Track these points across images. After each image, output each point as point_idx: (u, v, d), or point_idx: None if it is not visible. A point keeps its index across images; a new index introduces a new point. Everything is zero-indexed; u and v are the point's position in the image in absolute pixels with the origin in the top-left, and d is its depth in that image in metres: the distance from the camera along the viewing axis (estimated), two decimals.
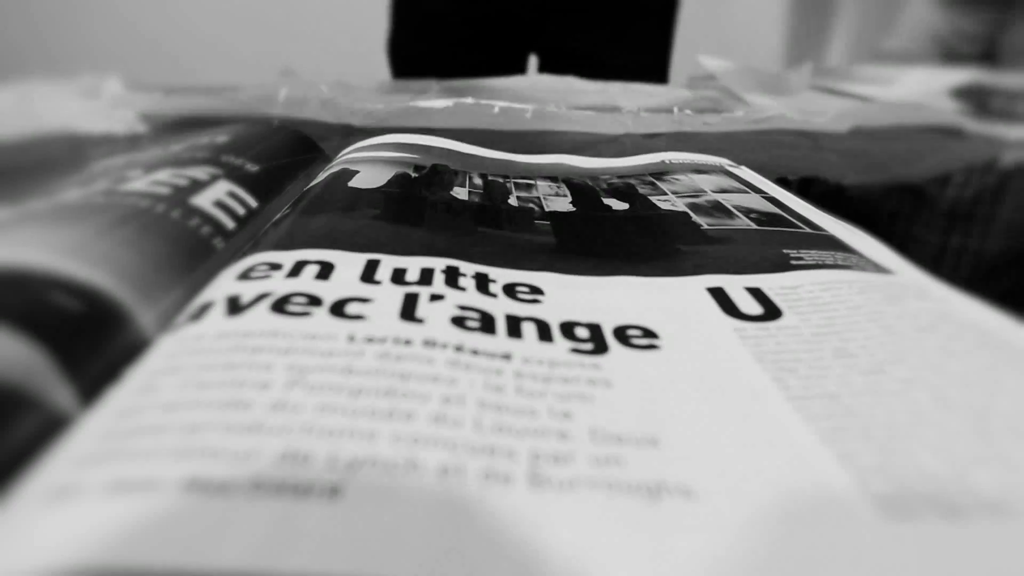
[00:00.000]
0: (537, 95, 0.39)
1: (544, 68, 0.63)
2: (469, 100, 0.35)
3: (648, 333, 0.16)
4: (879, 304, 0.17)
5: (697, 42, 0.69)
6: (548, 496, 0.10)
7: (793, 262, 0.19)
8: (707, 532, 0.10)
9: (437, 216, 0.22)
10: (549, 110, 0.34)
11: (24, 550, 0.09)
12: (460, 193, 0.25)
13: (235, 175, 0.23)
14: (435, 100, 0.36)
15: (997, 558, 0.09)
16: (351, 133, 0.32)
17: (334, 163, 0.28)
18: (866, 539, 0.10)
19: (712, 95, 0.42)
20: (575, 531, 0.10)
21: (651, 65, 0.62)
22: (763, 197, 0.26)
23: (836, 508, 0.10)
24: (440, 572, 0.09)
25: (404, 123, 0.33)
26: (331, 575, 0.09)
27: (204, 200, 0.20)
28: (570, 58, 0.49)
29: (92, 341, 0.13)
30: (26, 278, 0.13)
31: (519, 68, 0.64)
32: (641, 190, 0.27)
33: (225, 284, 0.16)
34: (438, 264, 0.18)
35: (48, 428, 0.11)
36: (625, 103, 0.37)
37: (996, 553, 0.10)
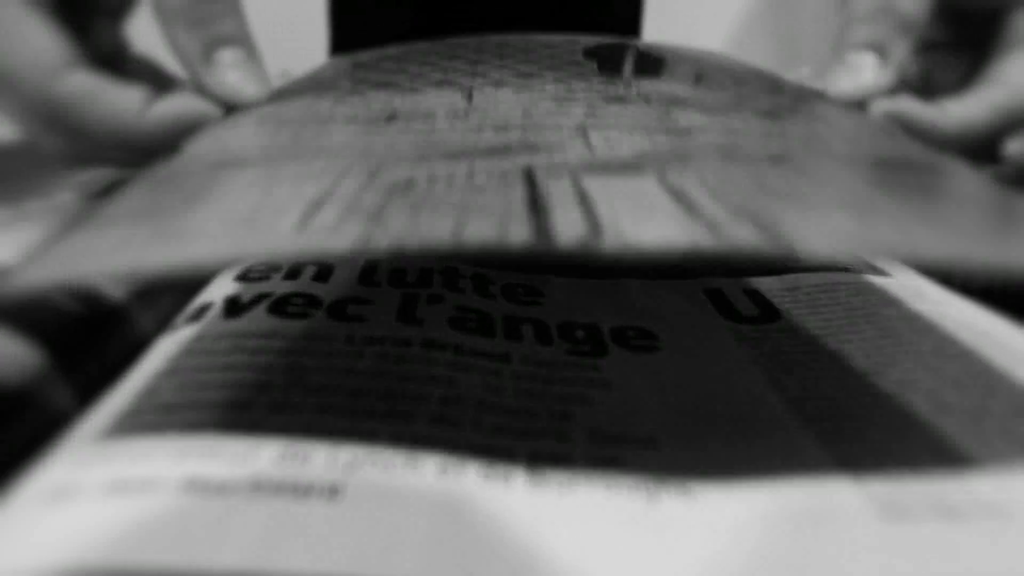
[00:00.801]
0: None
1: None
2: None
3: (646, 334, 0.16)
4: (876, 306, 0.17)
5: None
6: (547, 496, 0.10)
7: (790, 264, 0.19)
8: (705, 532, 0.10)
9: None
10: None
11: (23, 550, 0.09)
12: None
13: None
14: None
15: (994, 560, 0.10)
16: None
17: None
18: (864, 541, 0.10)
19: None
20: (573, 531, 0.10)
21: None
22: None
23: (834, 510, 0.10)
24: (439, 572, 0.09)
25: None
26: (331, 575, 0.09)
27: None
28: None
29: (91, 342, 0.13)
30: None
31: None
32: None
33: (223, 285, 0.16)
34: (436, 265, 0.18)
35: (47, 428, 0.11)
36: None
37: (993, 555, 0.10)
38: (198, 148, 0.15)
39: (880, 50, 0.18)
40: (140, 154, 0.17)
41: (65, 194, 0.20)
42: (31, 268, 0.10)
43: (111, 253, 0.10)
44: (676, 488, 0.11)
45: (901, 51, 0.18)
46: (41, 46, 0.16)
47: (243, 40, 0.17)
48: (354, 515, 0.09)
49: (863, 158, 0.14)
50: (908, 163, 0.14)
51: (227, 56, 0.17)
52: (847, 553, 0.10)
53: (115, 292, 0.14)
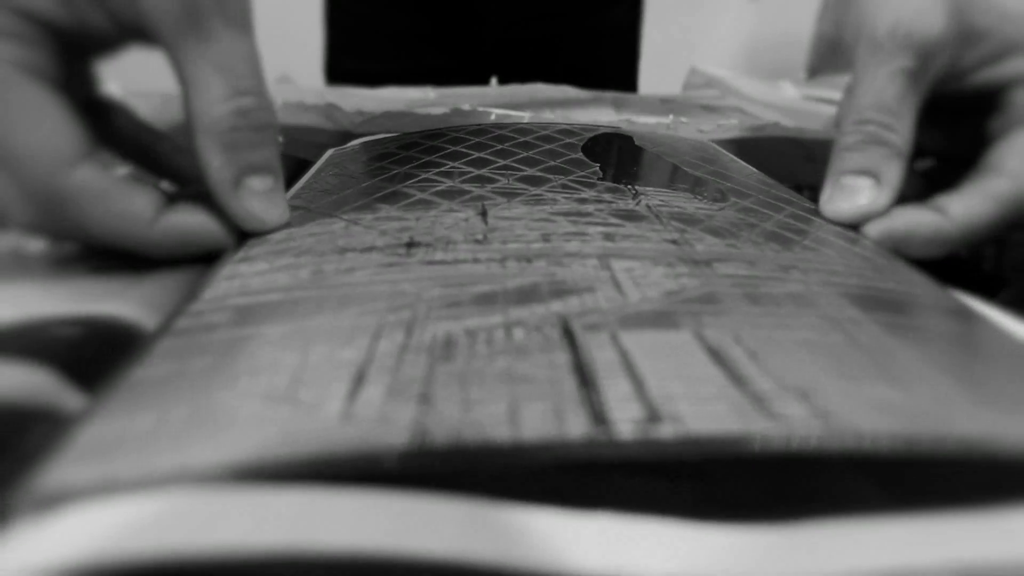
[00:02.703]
0: (535, 103, 0.39)
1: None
2: (466, 107, 0.34)
3: None
4: None
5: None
6: None
7: None
8: None
9: None
10: (546, 118, 0.33)
11: (38, 547, 0.08)
12: None
13: None
14: (432, 107, 0.35)
15: None
16: (349, 139, 0.31)
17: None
18: None
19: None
20: None
21: (618, 86, 0.60)
22: None
23: None
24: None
25: (402, 130, 0.32)
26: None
27: None
28: (535, 81, 0.47)
29: (101, 355, 0.13)
30: (28, 327, 0.14)
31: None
32: None
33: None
34: None
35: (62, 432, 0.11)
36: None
37: None
38: (218, 290, 0.14)
39: (873, 175, 0.19)
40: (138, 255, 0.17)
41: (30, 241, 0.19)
42: (64, 469, 0.09)
43: (148, 447, 0.09)
44: None
45: (894, 174, 0.19)
46: (53, 135, 0.15)
47: (273, 169, 0.17)
48: None
49: (875, 299, 0.14)
50: (912, 305, 0.15)
51: (256, 183, 0.17)
52: None
53: (121, 313, 0.15)
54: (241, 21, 0.16)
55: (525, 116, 0.33)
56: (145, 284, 0.16)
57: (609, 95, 0.43)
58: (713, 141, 0.32)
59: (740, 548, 0.09)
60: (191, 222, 0.16)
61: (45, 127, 0.15)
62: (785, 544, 0.09)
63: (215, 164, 0.16)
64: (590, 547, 0.09)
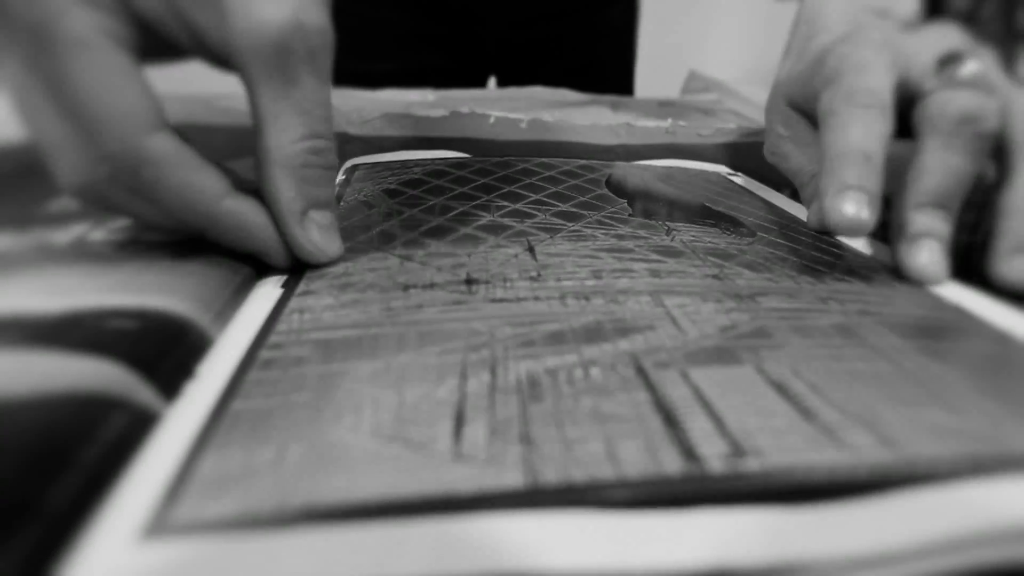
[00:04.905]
0: (533, 105, 0.40)
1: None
2: (465, 110, 0.34)
3: None
4: None
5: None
6: None
7: None
8: None
9: None
10: (544, 120, 0.34)
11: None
12: None
13: None
14: (431, 109, 0.35)
15: None
16: (348, 141, 0.31)
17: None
18: None
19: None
20: None
21: (615, 87, 0.61)
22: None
23: None
24: None
25: (400, 132, 0.32)
26: None
27: None
28: (532, 83, 0.48)
29: (158, 348, 0.13)
30: (81, 317, 0.14)
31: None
32: None
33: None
34: None
35: (139, 421, 0.12)
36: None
37: None
38: (291, 323, 0.15)
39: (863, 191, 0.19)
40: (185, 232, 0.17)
41: (91, 231, 0.19)
42: (198, 501, 0.10)
43: (275, 482, 0.10)
44: None
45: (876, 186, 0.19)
46: (138, 98, 0.15)
47: (332, 206, 0.18)
48: None
49: (910, 327, 0.16)
50: (941, 328, 0.16)
51: (319, 217, 0.18)
52: None
53: (172, 307, 0.15)
54: (323, 73, 0.17)
55: (524, 119, 0.34)
56: (187, 280, 0.16)
57: (607, 98, 0.44)
58: (712, 144, 0.34)
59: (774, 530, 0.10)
60: (251, 210, 0.17)
61: (131, 91, 0.15)
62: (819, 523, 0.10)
63: (288, 195, 0.17)
64: (629, 544, 0.09)
